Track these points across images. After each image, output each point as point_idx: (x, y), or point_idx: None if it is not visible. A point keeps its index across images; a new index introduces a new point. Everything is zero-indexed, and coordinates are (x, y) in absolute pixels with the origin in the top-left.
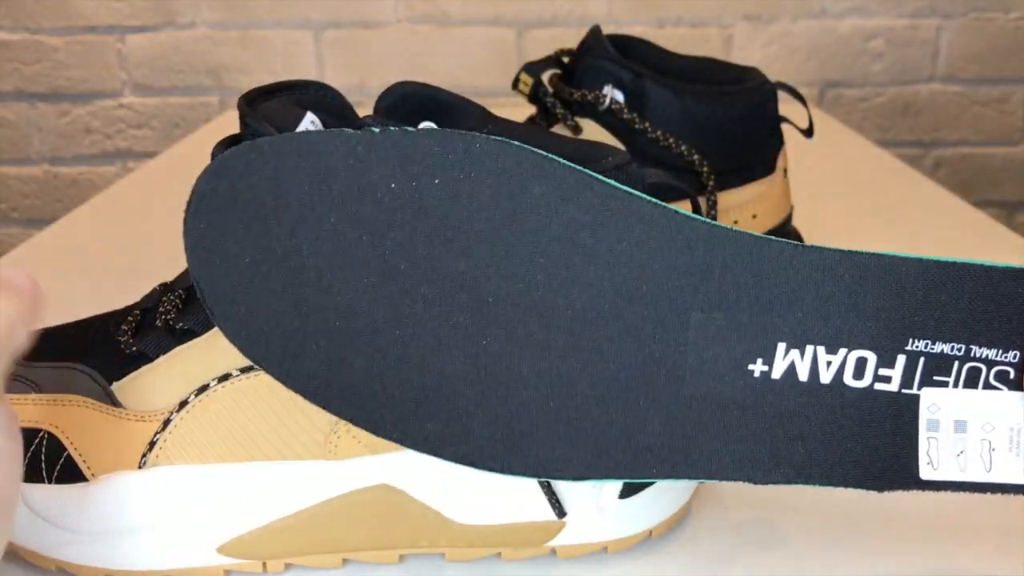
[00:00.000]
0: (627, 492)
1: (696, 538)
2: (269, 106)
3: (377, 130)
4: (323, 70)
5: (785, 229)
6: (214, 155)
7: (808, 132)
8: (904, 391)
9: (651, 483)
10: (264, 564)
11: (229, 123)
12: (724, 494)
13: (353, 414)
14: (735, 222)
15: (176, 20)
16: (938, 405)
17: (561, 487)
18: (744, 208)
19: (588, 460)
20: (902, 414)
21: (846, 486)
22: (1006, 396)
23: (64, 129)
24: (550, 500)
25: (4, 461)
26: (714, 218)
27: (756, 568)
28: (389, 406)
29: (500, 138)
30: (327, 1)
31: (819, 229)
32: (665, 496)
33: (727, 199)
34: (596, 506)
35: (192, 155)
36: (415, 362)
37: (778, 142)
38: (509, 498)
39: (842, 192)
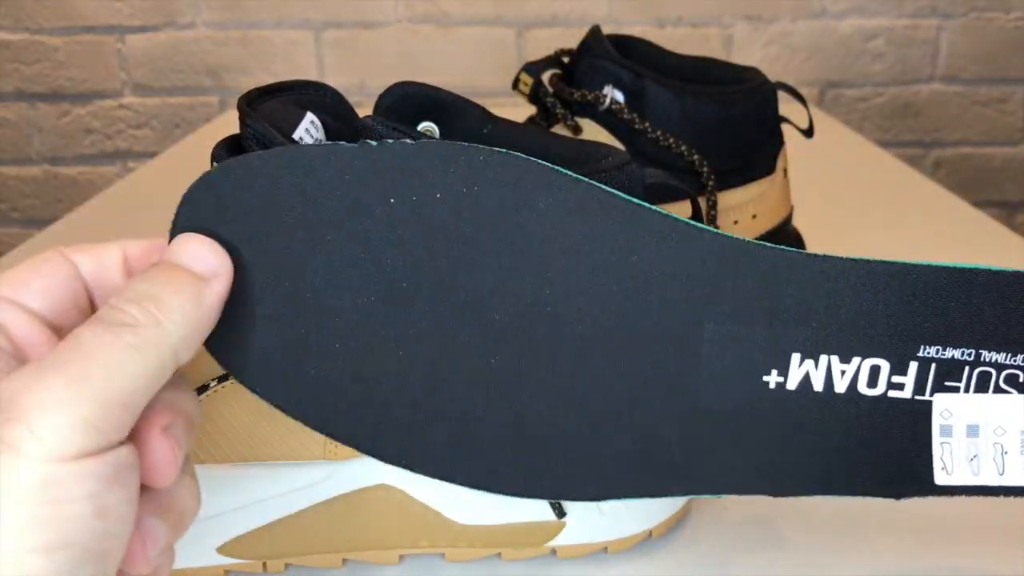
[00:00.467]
0: None
1: (696, 538)
2: (269, 106)
3: (375, 143)
4: (323, 70)
5: (785, 229)
6: (214, 155)
7: (808, 132)
8: (917, 397)
9: None
10: (264, 564)
11: (229, 123)
12: None
13: (357, 440)
14: (735, 222)
15: (176, 20)
16: (950, 410)
17: None
18: (744, 208)
19: (606, 479)
20: (916, 421)
21: (865, 495)
22: (1016, 399)
23: (64, 129)
24: (550, 500)
25: (102, 516)
26: (714, 218)
27: (756, 568)
28: (395, 431)
29: (503, 150)
30: (327, 1)
31: (819, 229)
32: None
33: (727, 199)
34: (596, 506)
35: (192, 155)
36: (420, 383)
37: (778, 142)
38: (509, 498)
39: (842, 192)
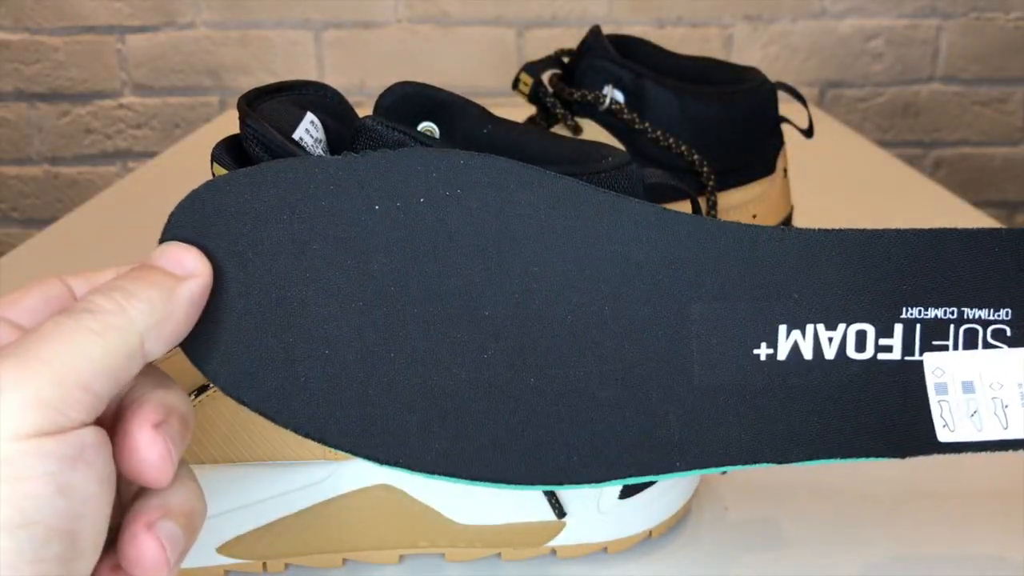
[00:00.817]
0: (627, 492)
1: (696, 538)
2: (269, 106)
3: (357, 155)
4: (323, 70)
5: None
6: (214, 155)
7: (808, 132)
8: (907, 358)
9: (651, 483)
10: (264, 564)
11: (229, 123)
12: (724, 494)
13: (352, 445)
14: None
15: (176, 20)
16: (942, 368)
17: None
18: (744, 208)
19: (609, 462)
20: (909, 381)
21: (867, 456)
22: (1008, 353)
23: (64, 129)
24: (550, 500)
25: (64, 495)
26: (714, 218)
27: (756, 568)
28: (391, 433)
29: (483, 153)
30: (327, 1)
31: None
32: (665, 496)
33: (727, 199)
34: (596, 506)
35: (192, 155)
36: (414, 383)
37: (778, 142)
38: (509, 498)
39: (842, 192)
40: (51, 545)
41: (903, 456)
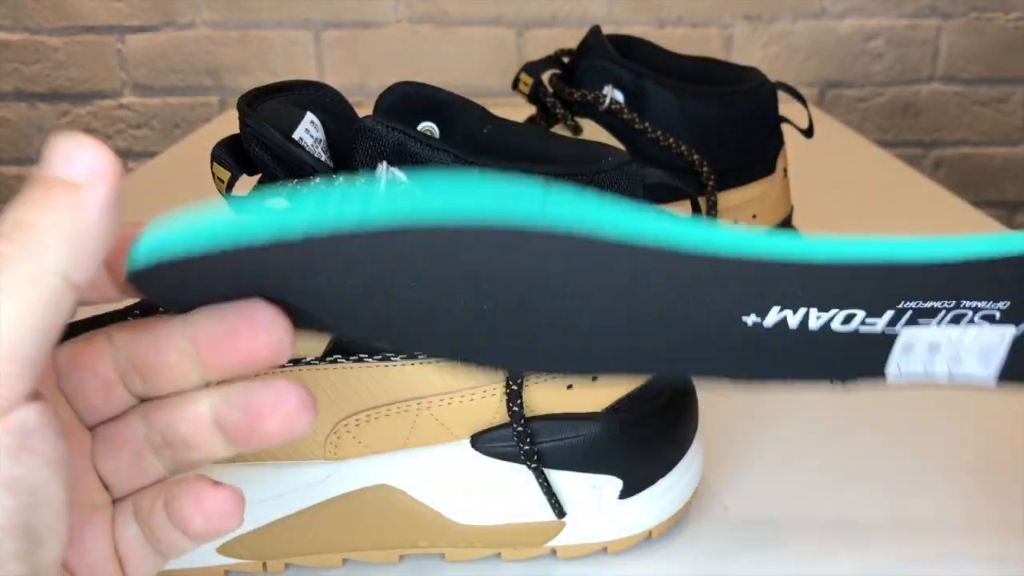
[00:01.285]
0: (627, 492)
1: (696, 538)
2: (269, 106)
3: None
4: (323, 70)
5: (785, 229)
6: (214, 155)
7: (808, 132)
8: (887, 331)
9: (651, 483)
10: (264, 564)
11: (229, 123)
12: (724, 494)
13: (364, 339)
14: (735, 222)
15: (176, 20)
16: (916, 336)
17: (561, 487)
18: (744, 208)
19: (592, 358)
20: (881, 343)
21: (814, 383)
22: (984, 327)
23: (64, 129)
24: (550, 500)
25: (11, 491)
26: (714, 218)
27: (756, 568)
28: (397, 335)
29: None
30: (327, 1)
31: (819, 229)
32: (665, 496)
33: (727, 199)
34: (596, 506)
35: (192, 155)
36: (416, 309)
37: (778, 142)
38: (509, 498)
39: (842, 192)
40: (4, 545)
41: (844, 384)
